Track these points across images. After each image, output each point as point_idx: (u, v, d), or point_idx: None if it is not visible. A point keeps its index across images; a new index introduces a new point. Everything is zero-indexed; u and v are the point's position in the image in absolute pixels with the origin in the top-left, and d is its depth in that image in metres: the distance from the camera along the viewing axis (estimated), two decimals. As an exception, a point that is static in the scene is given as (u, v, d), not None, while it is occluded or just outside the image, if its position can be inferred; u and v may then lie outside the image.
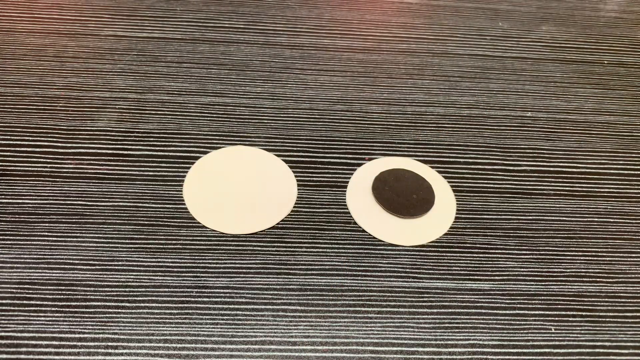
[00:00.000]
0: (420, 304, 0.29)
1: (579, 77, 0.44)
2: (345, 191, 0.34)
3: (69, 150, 0.34)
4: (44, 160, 0.33)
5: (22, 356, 0.25)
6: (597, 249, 0.32)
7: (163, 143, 0.35)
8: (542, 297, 0.30)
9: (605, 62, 0.46)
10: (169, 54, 0.41)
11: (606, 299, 0.30)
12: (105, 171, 0.33)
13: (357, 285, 0.30)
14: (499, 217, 0.34)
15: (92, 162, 0.34)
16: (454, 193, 0.35)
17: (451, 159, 0.37)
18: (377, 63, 0.43)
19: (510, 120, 0.40)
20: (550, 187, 0.36)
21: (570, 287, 0.31)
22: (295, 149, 0.36)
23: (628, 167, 0.38)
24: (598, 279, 0.31)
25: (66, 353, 0.26)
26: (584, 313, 0.29)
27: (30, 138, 0.34)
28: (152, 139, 0.35)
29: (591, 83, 0.44)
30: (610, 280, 0.31)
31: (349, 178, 0.35)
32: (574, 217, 0.34)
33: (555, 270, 0.31)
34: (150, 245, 0.30)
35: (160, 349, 0.26)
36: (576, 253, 0.32)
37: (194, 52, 0.42)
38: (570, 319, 0.29)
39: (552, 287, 0.30)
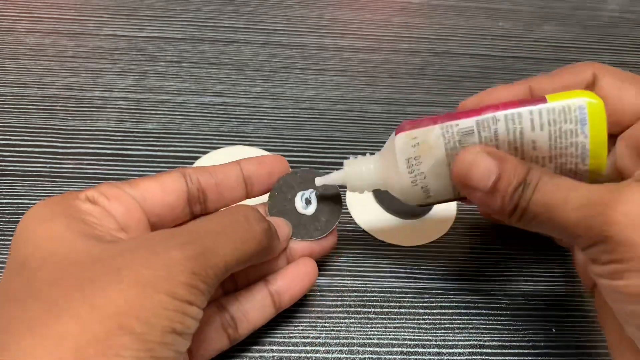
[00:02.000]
0: (421, 304, 0.29)
1: (580, 76, 0.44)
2: (345, 191, 0.34)
3: (69, 150, 0.34)
4: (44, 160, 0.33)
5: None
6: (598, 250, 0.32)
7: (163, 143, 0.35)
8: (543, 297, 0.30)
9: (607, 62, 0.46)
10: (168, 53, 0.41)
11: (607, 300, 0.30)
12: (104, 171, 0.33)
13: (357, 286, 0.29)
14: (500, 217, 0.33)
15: (91, 162, 0.34)
16: (454, 193, 0.34)
17: (452, 159, 0.36)
18: (378, 63, 0.43)
19: (511, 120, 0.40)
20: (551, 187, 0.35)
21: (571, 287, 0.30)
22: (295, 149, 0.36)
23: (629, 167, 0.37)
24: (599, 280, 0.31)
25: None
26: (584, 313, 0.29)
27: (30, 138, 0.34)
28: (151, 139, 0.35)
29: (592, 83, 0.44)
30: (612, 280, 0.31)
31: (349, 178, 0.34)
32: (575, 218, 0.34)
33: (556, 270, 0.31)
34: (149, 246, 0.30)
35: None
36: (577, 253, 0.32)
37: (193, 52, 0.42)
38: (571, 319, 0.29)
39: (553, 287, 0.30)
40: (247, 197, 0.27)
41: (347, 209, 0.33)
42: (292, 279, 0.26)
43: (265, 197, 0.28)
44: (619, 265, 0.19)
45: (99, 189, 0.23)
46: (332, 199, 0.28)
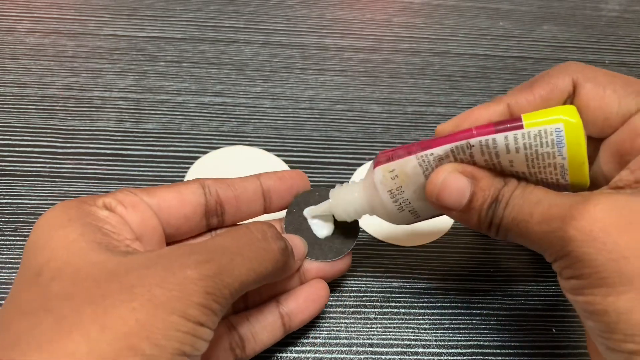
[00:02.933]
0: (421, 304, 0.29)
1: (581, 76, 0.44)
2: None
3: (68, 150, 0.34)
4: (43, 160, 0.33)
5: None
6: (598, 250, 0.32)
7: (162, 143, 0.35)
8: (543, 298, 0.30)
9: (607, 62, 0.46)
10: (168, 53, 0.41)
11: (608, 300, 0.30)
12: (104, 171, 0.33)
13: (357, 286, 0.29)
14: (500, 217, 0.33)
15: (91, 162, 0.34)
16: (454, 193, 0.34)
17: (452, 159, 0.36)
18: (378, 62, 0.43)
19: (511, 120, 0.40)
20: (552, 187, 0.35)
21: (571, 287, 0.30)
22: (295, 149, 0.36)
23: (630, 167, 0.37)
24: (599, 280, 0.31)
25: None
26: (585, 314, 0.29)
27: (30, 138, 0.34)
28: (151, 139, 0.35)
29: (592, 83, 0.44)
30: (612, 280, 0.31)
31: (349, 178, 0.34)
32: (575, 218, 0.34)
33: (557, 270, 0.31)
34: (149, 246, 0.30)
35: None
36: (577, 253, 0.32)
37: (193, 52, 0.42)
38: (571, 319, 0.29)
39: (553, 287, 0.30)
40: (265, 212, 0.27)
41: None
42: (303, 301, 0.26)
43: (281, 214, 0.28)
44: (578, 282, 0.19)
45: (116, 197, 0.22)
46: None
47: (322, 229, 0.27)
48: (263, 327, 0.25)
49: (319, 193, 0.28)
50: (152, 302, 0.17)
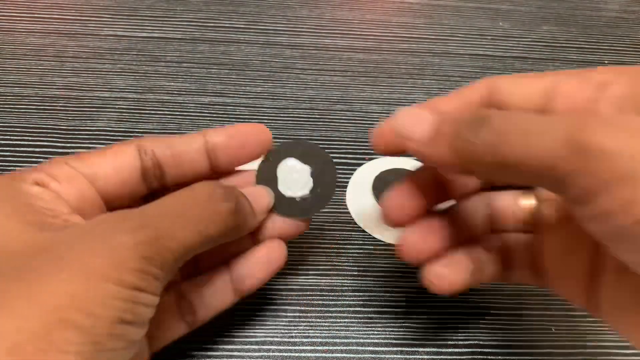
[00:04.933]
0: (421, 304, 0.29)
1: (580, 76, 0.44)
2: (345, 191, 0.34)
3: (69, 150, 0.34)
4: (44, 160, 0.33)
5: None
6: (598, 249, 0.32)
7: (163, 143, 0.35)
8: (543, 297, 0.30)
9: (606, 62, 0.46)
10: (169, 54, 0.41)
11: (607, 300, 0.30)
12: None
13: (357, 285, 0.29)
14: (500, 217, 0.33)
15: (91, 162, 0.34)
16: (454, 193, 0.34)
17: (452, 159, 0.36)
18: (378, 63, 0.43)
19: (511, 120, 0.40)
20: (551, 187, 0.36)
21: (571, 287, 0.30)
22: (295, 148, 0.36)
23: (629, 167, 0.37)
24: (599, 279, 0.31)
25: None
26: (584, 313, 0.29)
27: (30, 138, 0.34)
28: (152, 139, 0.35)
29: (592, 83, 0.44)
30: (611, 280, 0.31)
31: (349, 178, 0.35)
32: (575, 217, 0.34)
33: (556, 270, 0.31)
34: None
35: (159, 349, 0.26)
36: (577, 253, 0.32)
37: (194, 52, 0.42)
38: (571, 319, 0.29)
39: (553, 287, 0.30)
40: (213, 170, 0.25)
41: (346, 207, 0.33)
42: (256, 263, 0.24)
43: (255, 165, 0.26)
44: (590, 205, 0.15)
45: (49, 171, 0.21)
46: (327, 180, 0.25)
47: (297, 187, 0.25)
48: (213, 293, 0.24)
49: (302, 147, 0.26)
50: (83, 272, 0.17)
